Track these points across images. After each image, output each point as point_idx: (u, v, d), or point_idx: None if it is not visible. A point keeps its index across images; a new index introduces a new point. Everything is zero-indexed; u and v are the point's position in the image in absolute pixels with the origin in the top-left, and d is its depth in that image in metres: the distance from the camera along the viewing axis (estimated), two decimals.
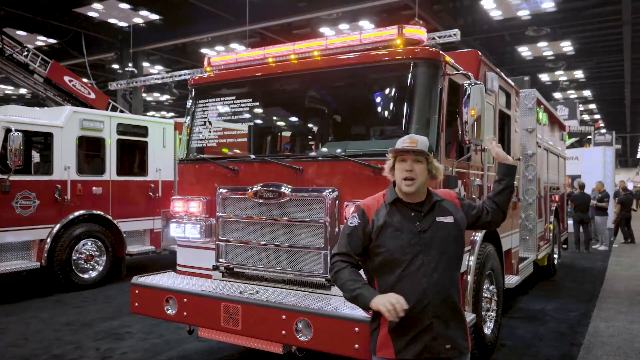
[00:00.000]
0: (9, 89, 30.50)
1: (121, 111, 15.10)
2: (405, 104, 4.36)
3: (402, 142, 2.73)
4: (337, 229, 4.27)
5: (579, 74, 28.32)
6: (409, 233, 2.64)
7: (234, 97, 5.28)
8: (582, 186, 14.73)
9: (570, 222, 14.00)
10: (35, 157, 9.89)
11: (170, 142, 10.45)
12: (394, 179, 2.76)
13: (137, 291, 4.86)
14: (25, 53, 13.73)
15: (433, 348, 2.60)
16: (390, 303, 2.46)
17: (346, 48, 4.70)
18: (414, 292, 2.58)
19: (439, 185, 4.16)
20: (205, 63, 5.49)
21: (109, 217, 9.26)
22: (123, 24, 20.47)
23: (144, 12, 19.30)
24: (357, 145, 4.78)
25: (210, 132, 5.43)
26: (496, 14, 19.06)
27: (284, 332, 3.92)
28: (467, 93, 4.20)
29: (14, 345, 5.95)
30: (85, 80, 16.05)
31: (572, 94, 32.70)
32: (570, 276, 10.48)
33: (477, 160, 5.24)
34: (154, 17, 19.81)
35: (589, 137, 27.72)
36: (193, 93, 5.56)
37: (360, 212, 2.76)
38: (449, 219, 2.73)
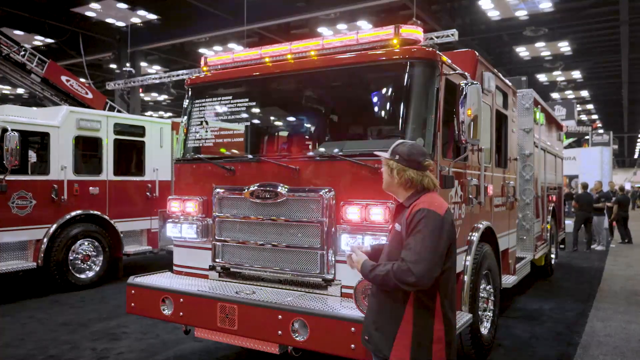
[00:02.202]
0: (6, 89, 30.48)
1: (119, 111, 15.06)
2: (402, 103, 4.34)
3: None
4: (333, 229, 4.27)
5: (576, 74, 28.40)
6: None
7: (230, 97, 5.27)
8: (585, 186, 14.90)
9: (568, 222, 14.03)
10: (32, 157, 9.85)
11: (167, 142, 10.42)
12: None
13: (133, 291, 4.85)
14: (23, 53, 13.66)
15: (363, 332, 2.87)
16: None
17: (343, 48, 4.68)
18: None
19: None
20: (202, 63, 5.48)
21: (106, 217, 9.24)
22: (121, 24, 20.47)
23: (141, 12, 19.30)
24: (353, 145, 4.78)
25: (207, 131, 5.42)
26: (494, 14, 19.10)
27: (280, 332, 3.91)
28: (464, 93, 4.21)
29: (10, 346, 5.93)
30: (82, 80, 15.99)
31: (569, 94, 32.79)
32: (568, 276, 10.49)
33: (474, 160, 5.24)
34: (152, 16, 19.81)
35: (587, 137, 27.79)
36: (190, 93, 5.54)
37: None
38: (398, 227, 2.72)
